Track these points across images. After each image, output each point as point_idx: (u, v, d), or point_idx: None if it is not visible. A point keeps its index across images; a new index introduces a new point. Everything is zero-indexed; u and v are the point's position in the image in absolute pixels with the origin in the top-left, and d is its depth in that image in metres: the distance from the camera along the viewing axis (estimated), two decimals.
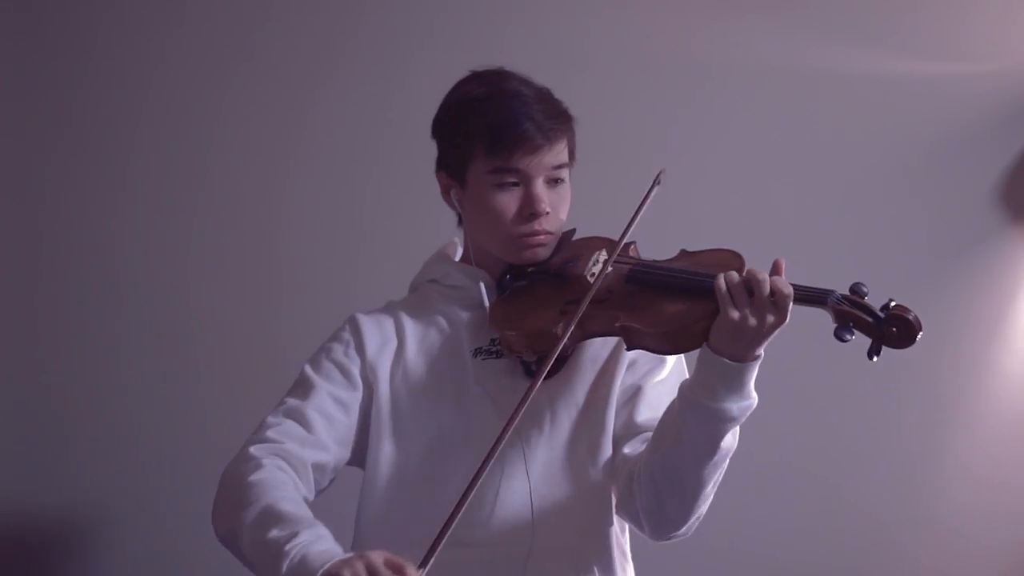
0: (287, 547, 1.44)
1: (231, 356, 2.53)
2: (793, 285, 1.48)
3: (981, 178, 2.50)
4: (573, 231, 1.77)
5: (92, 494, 2.53)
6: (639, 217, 1.68)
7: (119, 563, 2.52)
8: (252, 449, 1.59)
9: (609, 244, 1.71)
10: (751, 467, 2.33)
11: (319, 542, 1.45)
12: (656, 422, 1.63)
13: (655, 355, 1.67)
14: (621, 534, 1.72)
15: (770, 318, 1.45)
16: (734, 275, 1.48)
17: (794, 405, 2.38)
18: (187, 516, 2.43)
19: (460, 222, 1.78)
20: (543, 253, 1.69)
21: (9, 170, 2.53)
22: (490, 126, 1.64)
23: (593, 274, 1.65)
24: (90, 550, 2.54)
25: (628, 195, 2.42)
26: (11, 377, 2.52)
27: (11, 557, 2.53)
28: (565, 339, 1.55)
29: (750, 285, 1.46)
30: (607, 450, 1.68)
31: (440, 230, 1.90)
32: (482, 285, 1.71)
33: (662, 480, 1.57)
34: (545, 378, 1.59)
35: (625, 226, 1.66)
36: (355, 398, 1.69)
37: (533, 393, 1.50)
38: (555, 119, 1.66)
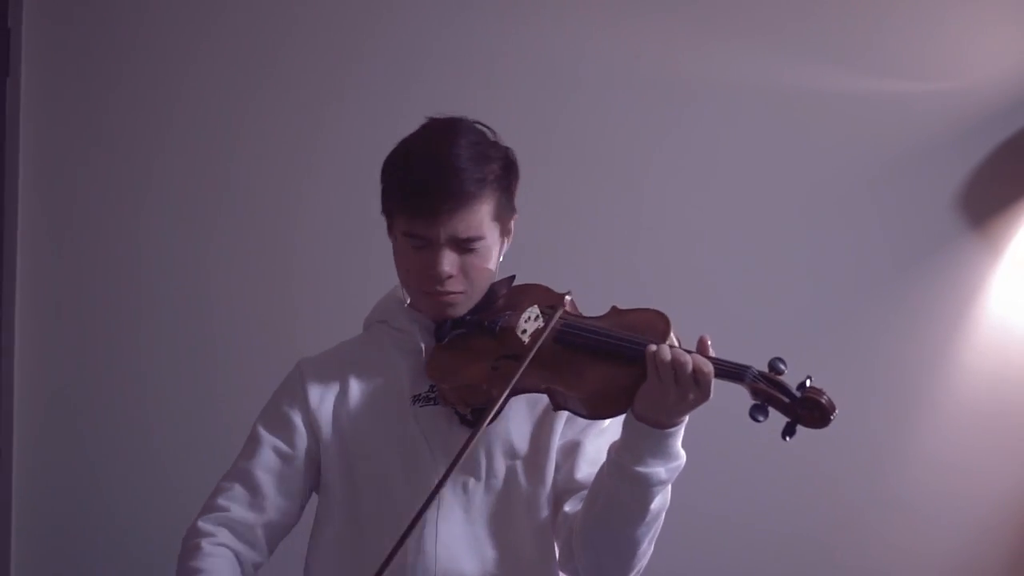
0: None
1: (248, 355, 2.57)
2: (712, 361, 1.41)
3: (944, 187, 2.55)
4: (512, 278, 1.69)
5: (111, 490, 2.60)
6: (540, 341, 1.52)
7: (135, 558, 2.58)
8: (200, 523, 1.59)
9: (547, 294, 1.63)
10: (734, 453, 2.45)
11: None
12: (589, 477, 1.57)
13: None
14: None
15: (691, 396, 1.41)
16: (665, 351, 1.41)
17: None
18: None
19: None
20: (454, 311, 1.61)
21: (43, 175, 2.61)
22: (400, 188, 1.58)
23: (524, 331, 1.56)
24: (108, 544, 2.60)
25: (618, 204, 2.50)
26: (35, 374, 2.60)
27: (29, 549, 2.62)
28: (500, 403, 1.45)
29: (675, 365, 1.40)
30: (546, 501, 1.61)
31: None
32: (418, 333, 1.64)
33: (597, 541, 1.52)
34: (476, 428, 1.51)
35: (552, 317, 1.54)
36: (300, 447, 1.63)
37: (463, 458, 1.43)
38: (446, 191, 1.54)
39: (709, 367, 1.41)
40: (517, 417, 1.61)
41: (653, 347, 1.42)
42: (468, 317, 1.63)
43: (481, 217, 1.57)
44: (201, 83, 2.61)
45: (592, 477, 1.56)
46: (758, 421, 1.40)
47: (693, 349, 1.45)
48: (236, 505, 1.60)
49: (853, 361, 2.53)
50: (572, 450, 1.62)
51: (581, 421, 1.60)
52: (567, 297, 1.62)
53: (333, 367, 1.68)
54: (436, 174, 1.54)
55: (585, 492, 1.57)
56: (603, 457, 1.55)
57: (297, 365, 1.70)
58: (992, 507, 2.55)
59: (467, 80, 2.57)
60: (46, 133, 2.60)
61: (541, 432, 1.62)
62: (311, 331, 2.36)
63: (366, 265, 2.49)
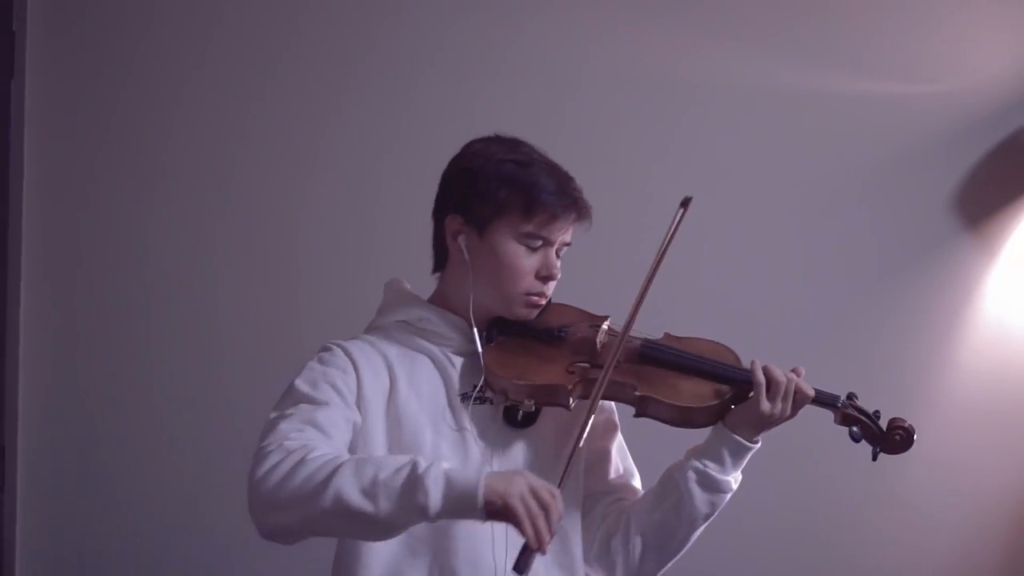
0: (420, 473, 1.35)
1: (252, 349, 2.60)
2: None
3: (940, 187, 2.58)
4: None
5: (117, 490, 2.61)
6: (665, 256, 1.65)
7: (149, 540, 2.60)
8: (289, 444, 1.44)
9: (585, 315, 1.73)
10: None
11: (438, 463, 1.38)
12: (624, 482, 1.73)
13: (609, 419, 1.74)
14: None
15: (787, 413, 1.61)
16: (776, 372, 1.60)
17: None
18: (208, 493, 2.56)
19: (437, 267, 1.72)
20: (537, 312, 1.68)
21: (47, 175, 2.62)
22: (535, 193, 1.62)
23: (602, 342, 1.67)
24: (121, 529, 2.61)
25: (618, 209, 2.44)
26: (50, 370, 2.61)
27: (47, 540, 2.62)
28: (595, 404, 1.56)
29: (777, 385, 1.59)
30: (580, 503, 1.70)
31: None
32: (476, 334, 1.66)
33: (652, 539, 1.66)
34: (522, 427, 1.65)
35: (637, 296, 1.61)
36: (355, 422, 1.58)
37: (586, 433, 1.53)
38: (582, 202, 1.67)
39: (811, 391, 1.62)
40: (549, 421, 1.68)
41: (760, 368, 1.60)
42: (520, 324, 1.69)
43: None
44: (204, 86, 2.63)
45: (618, 480, 1.73)
46: (856, 440, 1.67)
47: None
48: (316, 443, 1.47)
49: (850, 360, 2.54)
50: (602, 456, 1.75)
51: (603, 430, 1.75)
52: (608, 320, 1.73)
53: (376, 357, 1.65)
54: (567, 182, 1.68)
55: (615, 494, 1.72)
56: (618, 460, 1.75)
57: (338, 345, 1.64)
58: (988, 503, 2.59)
59: (470, 84, 2.60)
60: (50, 134, 2.61)
61: (570, 436, 1.66)
62: (316, 330, 2.31)
63: (369, 264, 2.57)
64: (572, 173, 1.78)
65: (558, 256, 1.68)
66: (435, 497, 1.35)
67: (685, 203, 1.70)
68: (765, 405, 1.60)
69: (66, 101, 2.63)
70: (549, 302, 1.71)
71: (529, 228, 1.63)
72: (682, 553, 1.69)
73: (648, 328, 1.70)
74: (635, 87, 2.60)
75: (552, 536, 1.37)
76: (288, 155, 2.63)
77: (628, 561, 1.68)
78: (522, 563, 1.38)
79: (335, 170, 2.62)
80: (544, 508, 1.36)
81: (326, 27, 2.63)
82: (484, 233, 1.64)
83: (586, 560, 1.70)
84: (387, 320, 1.71)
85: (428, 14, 2.61)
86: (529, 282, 1.65)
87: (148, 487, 2.61)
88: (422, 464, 1.37)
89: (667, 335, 1.72)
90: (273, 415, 1.53)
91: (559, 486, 1.43)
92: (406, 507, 1.36)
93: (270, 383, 2.45)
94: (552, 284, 1.67)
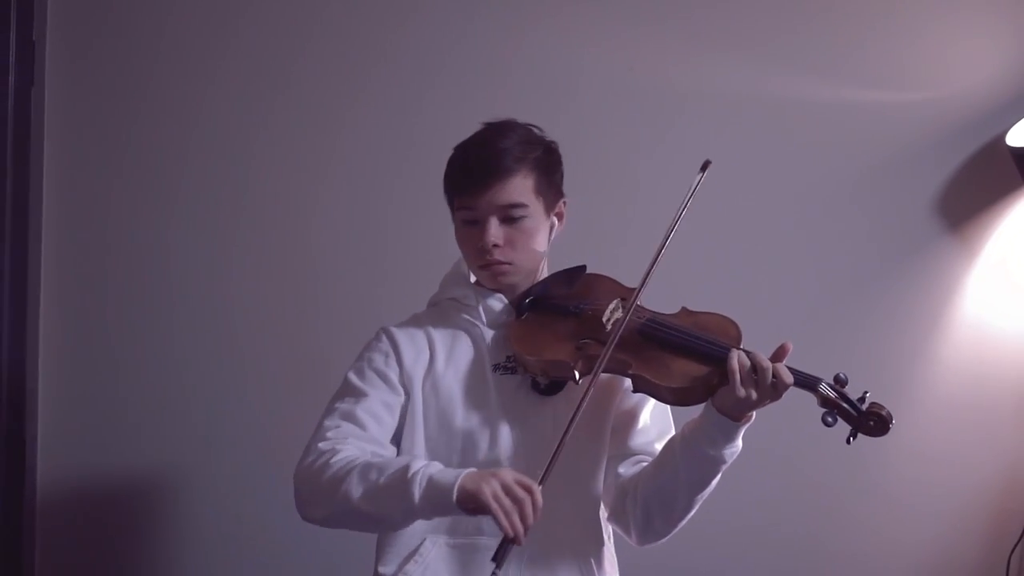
0: (409, 476, 1.52)
1: (268, 349, 2.62)
2: (791, 370, 1.61)
3: (923, 192, 2.61)
4: (583, 267, 1.84)
5: (140, 475, 2.63)
6: (675, 229, 1.71)
7: (165, 535, 2.62)
8: (321, 445, 1.66)
9: (618, 288, 1.77)
10: None
11: (432, 465, 1.54)
12: (646, 445, 1.77)
13: None
14: (606, 527, 1.84)
15: (767, 399, 1.62)
16: (745, 360, 1.60)
17: None
18: (240, 482, 2.59)
19: None
20: (507, 280, 1.78)
21: (67, 180, 2.65)
22: (454, 170, 1.77)
23: (609, 319, 1.71)
24: (137, 524, 2.63)
25: (612, 214, 2.52)
26: (69, 367, 2.63)
27: (77, 529, 2.63)
28: (591, 385, 1.60)
29: (758, 372, 1.59)
30: (603, 463, 1.78)
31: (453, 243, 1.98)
32: (491, 309, 1.79)
33: (655, 504, 1.71)
34: (548, 395, 1.73)
35: (647, 269, 1.68)
36: (398, 402, 1.76)
37: (578, 417, 1.57)
38: (488, 167, 1.72)
39: (790, 378, 1.60)
40: (581, 391, 1.71)
41: (737, 354, 1.60)
42: (549, 299, 1.78)
43: (519, 187, 1.74)
44: (219, 93, 2.65)
45: (643, 445, 1.77)
46: (829, 426, 1.63)
47: (766, 354, 1.63)
48: (350, 438, 1.68)
49: (836, 358, 2.42)
50: (627, 420, 1.80)
51: (634, 396, 1.78)
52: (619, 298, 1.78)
53: (420, 335, 1.81)
54: (481, 154, 1.73)
55: (635, 456, 1.77)
56: (649, 427, 1.78)
57: (384, 330, 1.82)
58: (969, 496, 2.61)
59: (470, 89, 2.63)
60: (70, 140, 2.64)
61: (601, 403, 1.78)
62: (331, 334, 2.47)
63: (382, 269, 2.60)
64: (566, 177, 1.87)
65: (514, 220, 1.74)
66: (417, 496, 1.52)
67: (704, 166, 1.76)
68: (740, 391, 1.60)
69: (85, 108, 2.65)
70: (583, 273, 1.81)
71: (456, 204, 1.78)
72: (688, 515, 1.73)
73: (667, 303, 1.73)
74: (627, 94, 2.62)
75: (527, 529, 1.47)
76: (301, 162, 2.65)
77: (637, 521, 1.74)
78: (499, 554, 1.48)
79: (347, 177, 2.64)
80: (517, 503, 1.47)
81: (335, 42, 2.66)
82: (453, 219, 1.81)
83: (608, 518, 1.80)
84: (442, 296, 1.89)
85: (431, 26, 2.65)
86: (473, 254, 1.77)
87: (163, 483, 2.63)
88: (413, 467, 1.54)
89: (684, 309, 1.76)
90: (326, 408, 1.74)
91: (545, 475, 1.51)
92: (397, 507, 1.55)
93: (286, 383, 2.52)
94: (500, 252, 1.74)
